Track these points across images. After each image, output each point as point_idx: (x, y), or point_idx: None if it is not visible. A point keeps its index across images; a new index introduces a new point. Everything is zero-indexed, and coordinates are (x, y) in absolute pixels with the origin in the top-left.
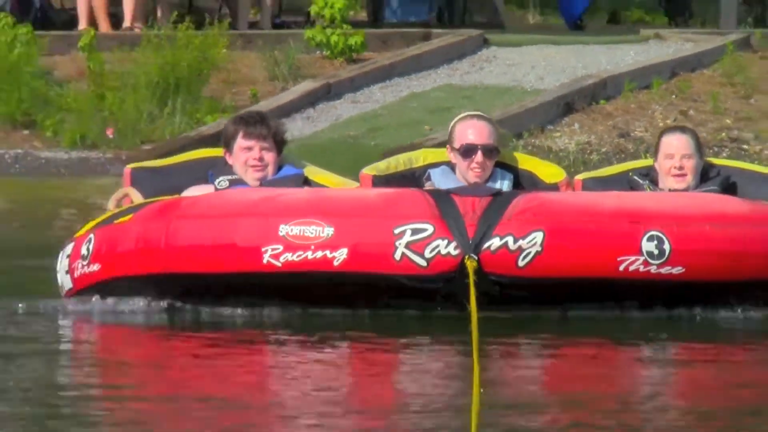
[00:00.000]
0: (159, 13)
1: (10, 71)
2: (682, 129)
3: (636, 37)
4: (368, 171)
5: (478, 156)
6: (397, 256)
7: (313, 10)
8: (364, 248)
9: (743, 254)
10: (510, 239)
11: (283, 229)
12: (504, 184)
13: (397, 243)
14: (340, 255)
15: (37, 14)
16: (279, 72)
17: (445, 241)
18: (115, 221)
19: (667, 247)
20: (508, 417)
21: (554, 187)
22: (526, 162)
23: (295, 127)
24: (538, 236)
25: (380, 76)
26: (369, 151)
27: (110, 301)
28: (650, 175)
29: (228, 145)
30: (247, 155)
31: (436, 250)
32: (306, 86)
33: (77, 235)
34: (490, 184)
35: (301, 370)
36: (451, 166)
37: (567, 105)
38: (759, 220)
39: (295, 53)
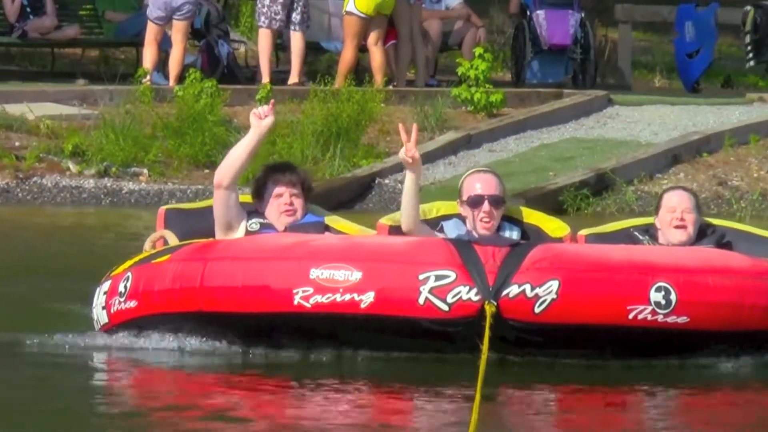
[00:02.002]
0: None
1: (196, 119)
2: (683, 187)
3: (742, 99)
4: (385, 221)
5: (485, 206)
6: (421, 300)
7: (460, 70)
8: (390, 292)
9: (744, 306)
10: (528, 287)
11: (314, 273)
12: (513, 236)
13: (421, 288)
14: (367, 298)
15: (224, 70)
16: (428, 124)
17: (467, 288)
18: (153, 261)
19: (673, 297)
20: None
21: (559, 241)
22: (531, 216)
23: (438, 172)
24: (554, 285)
25: (515, 128)
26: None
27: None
28: (650, 232)
29: (259, 193)
30: (278, 201)
31: (458, 296)
32: (449, 136)
33: (114, 273)
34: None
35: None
36: (463, 219)
37: (674, 157)
38: (759, 274)
39: (443, 108)
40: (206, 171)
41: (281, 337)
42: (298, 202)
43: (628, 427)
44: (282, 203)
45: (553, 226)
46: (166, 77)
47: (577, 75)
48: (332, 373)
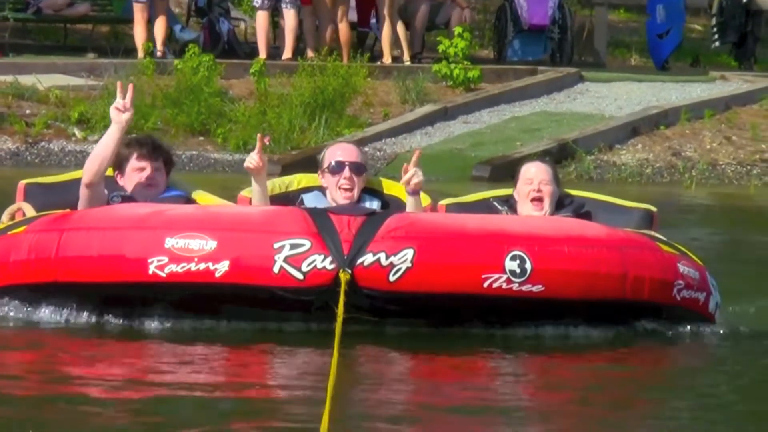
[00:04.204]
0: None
1: (193, 90)
2: (541, 159)
3: (705, 77)
4: (246, 194)
5: (346, 172)
6: (276, 269)
7: (440, 48)
8: (244, 261)
9: (599, 275)
10: (382, 255)
11: (169, 242)
12: (372, 207)
13: (276, 257)
14: (222, 267)
15: (224, 46)
16: (409, 97)
17: (321, 256)
18: (9, 232)
19: (528, 266)
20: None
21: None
22: (392, 188)
23: (414, 141)
24: (409, 253)
25: (490, 102)
26: (469, 160)
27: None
28: (509, 202)
29: (120, 166)
30: (140, 175)
31: (313, 265)
32: (427, 109)
33: None
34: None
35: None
36: (323, 191)
37: (633, 129)
38: (615, 243)
39: (424, 82)
40: (201, 138)
41: (138, 307)
42: (160, 176)
43: (477, 389)
44: (144, 177)
45: None
46: (171, 52)
47: (555, 53)
48: (189, 341)
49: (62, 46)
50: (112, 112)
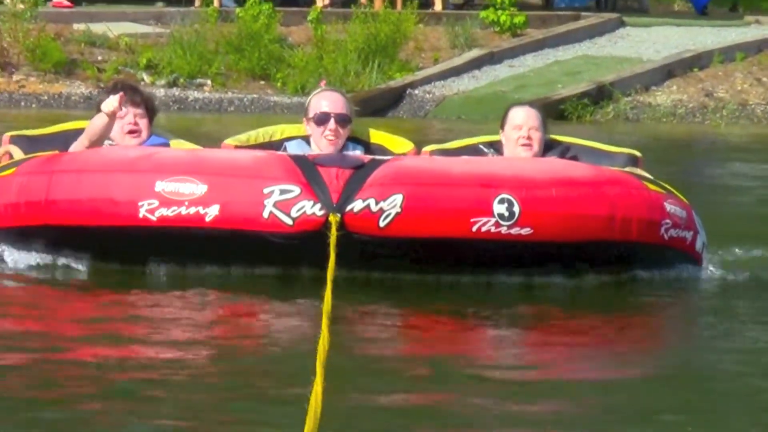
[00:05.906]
0: None
1: (253, 37)
2: (530, 104)
3: (740, 22)
4: (230, 142)
5: (331, 123)
6: (266, 214)
7: None
8: (234, 206)
9: (587, 216)
10: (372, 201)
11: (159, 185)
12: (357, 153)
13: (266, 202)
14: (212, 211)
15: None
16: (458, 42)
17: (311, 202)
18: None
19: (516, 209)
20: (354, 375)
21: None
22: (376, 136)
23: (462, 83)
24: (398, 198)
25: (534, 47)
26: (512, 102)
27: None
28: (495, 146)
29: None
30: (122, 122)
31: (302, 210)
32: (474, 53)
33: None
34: None
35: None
36: (307, 140)
37: (669, 71)
38: (601, 183)
39: (472, 28)
40: (261, 82)
41: (128, 251)
42: (143, 123)
43: (470, 341)
44: (126, 123)
45: (397, 143)
46: (235, 1)
47: (601, 0)
48: (179, 288)
49: None
50: (108, 107)
